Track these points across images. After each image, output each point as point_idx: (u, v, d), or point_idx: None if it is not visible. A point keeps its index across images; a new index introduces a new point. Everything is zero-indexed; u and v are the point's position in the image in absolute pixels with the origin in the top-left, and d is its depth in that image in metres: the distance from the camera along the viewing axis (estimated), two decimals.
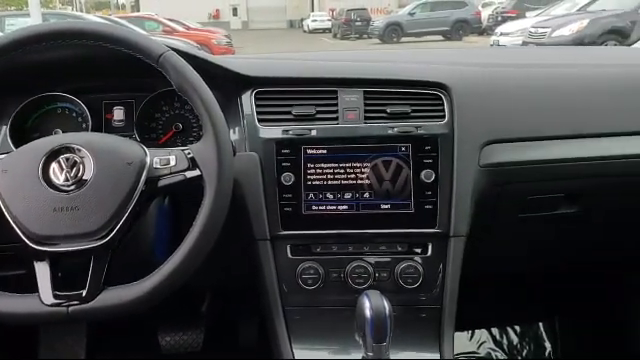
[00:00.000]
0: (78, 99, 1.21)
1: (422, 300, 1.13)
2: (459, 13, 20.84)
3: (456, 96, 1.15)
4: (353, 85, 1.16)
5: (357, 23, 25.16)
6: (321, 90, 1.16)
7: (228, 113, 1.10)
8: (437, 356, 1.10)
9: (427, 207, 1.11)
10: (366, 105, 1.14)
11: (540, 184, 1.24)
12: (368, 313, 0.94)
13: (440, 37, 20.62)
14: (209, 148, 0.92)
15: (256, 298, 1.18)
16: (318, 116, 1.14)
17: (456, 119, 1.13)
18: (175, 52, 0.96)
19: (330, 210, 1.11)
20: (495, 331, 2.13)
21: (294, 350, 1.11)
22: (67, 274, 0.89)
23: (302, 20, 36.17)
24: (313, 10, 37.39)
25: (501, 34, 12.24)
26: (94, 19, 10.95)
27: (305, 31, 32.77)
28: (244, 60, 1.26)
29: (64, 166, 0.90)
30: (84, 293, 0.87)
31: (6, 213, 0.89)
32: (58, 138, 0.96)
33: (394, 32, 20.83)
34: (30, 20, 9.21)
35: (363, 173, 1.11)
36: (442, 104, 1.15)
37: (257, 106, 1.14)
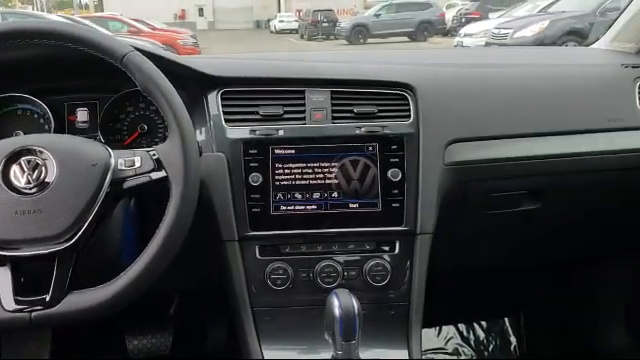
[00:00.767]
0: (40, 100, 1.18)
1: (390, 297, 1.14)
2: (424, 14, 21.04)
3: (421, 96, 1.17)
4: (320, 85, 1.16)
5: (324, 24, 25.16)
6: (288, 90, 1.16)
7: (194, 113, 1.09)
8: (405, 352, 1.11)
9: (394, 205, 1.12)
10: (333, 105, 1.15)
11: (503, 182, 1.27)
12: (337, 312, 0.94)
13: (405, 38, 20.78)
14: (175, 149, 0.91)
15: (224, 299, 1.17)
16: (285, 116, 1.14)
17: (421, 119, 1.15)
18: (140, 52, 0.94)
19: (299, 210, 1.11)
20: (462, 327, 2.16)
21: (263, 350, 1.11)
22: (31, 279, 0.87)
23: (269, 21, 35.99)
24: (280, 11, 37.25)
25: (465, 35, 12.44)
26: (56, 19, 10.70)
27: (272, 32, 32.59)
28: (210, 60, 1.26)
29: (25, 168, 0.87)
30: (48, 298, 0.85)
31: None
32: (19, 140, 0.93)
33: (360, 33, 20.93)
34: None
35: (331, 173, 1.11)
36: (408, 104, 1.16)
37: (224, 106, 1.14)
